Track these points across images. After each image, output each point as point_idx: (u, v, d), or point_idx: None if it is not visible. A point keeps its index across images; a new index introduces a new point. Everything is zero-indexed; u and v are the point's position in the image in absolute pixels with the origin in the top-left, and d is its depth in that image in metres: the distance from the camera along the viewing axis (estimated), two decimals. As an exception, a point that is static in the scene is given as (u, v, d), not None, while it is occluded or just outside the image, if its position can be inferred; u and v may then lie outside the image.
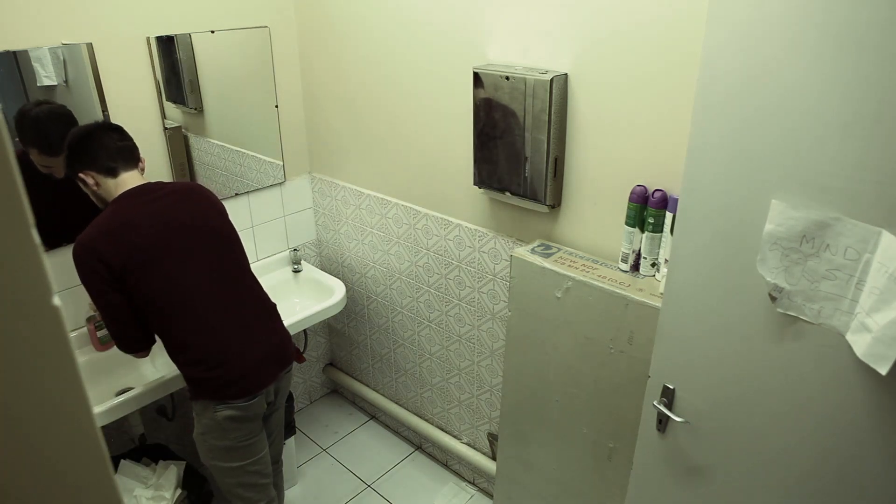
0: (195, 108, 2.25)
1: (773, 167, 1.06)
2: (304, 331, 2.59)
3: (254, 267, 2.54)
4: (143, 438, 2.21)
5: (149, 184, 1.74)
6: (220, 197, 2.35)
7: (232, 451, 1.79)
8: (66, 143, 1.69)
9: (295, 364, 2.83)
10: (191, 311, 1.70)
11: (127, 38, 1.98)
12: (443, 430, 2.62)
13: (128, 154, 1.73)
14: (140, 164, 1.76)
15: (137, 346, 1.75)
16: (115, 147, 1.70)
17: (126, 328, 1.70)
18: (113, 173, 1.70)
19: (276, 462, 2.11)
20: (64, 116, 1.89)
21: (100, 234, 1.62)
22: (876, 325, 0.97)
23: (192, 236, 1.73)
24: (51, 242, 1.96)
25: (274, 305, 1.92)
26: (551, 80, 1.64)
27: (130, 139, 1.75)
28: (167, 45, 2.09)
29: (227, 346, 1.73)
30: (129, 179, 1.71)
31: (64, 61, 1.86)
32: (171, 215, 1.71)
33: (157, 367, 2.11)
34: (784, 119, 1.03)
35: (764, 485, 1.26)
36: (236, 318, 1.77)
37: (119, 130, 1.74)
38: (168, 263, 1.67)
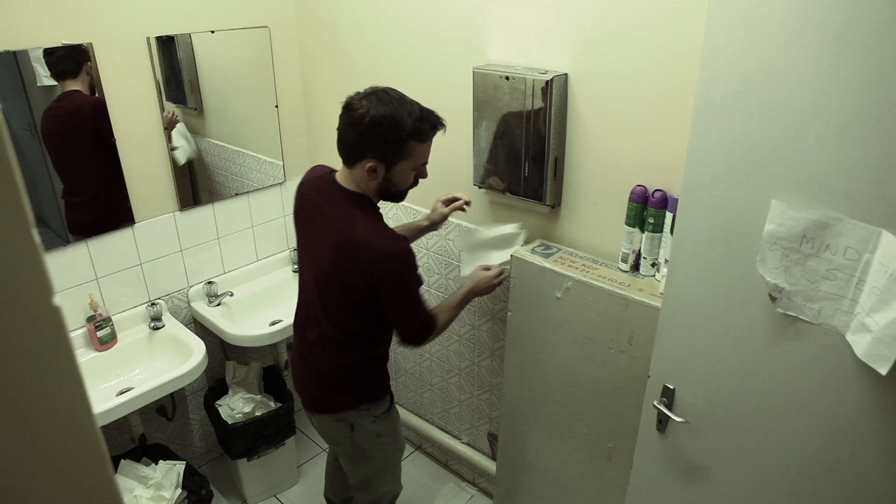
0: (195, 108, 2.25)
1: (773, 167, 1.06)
2: (304, 331, 2.58)
3: (254, 266, 2.54)
4: (143, 438, 2.21)
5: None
6: (219, 197, 2.37)
7: (401, 445, 1.88)
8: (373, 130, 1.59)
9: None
10: None
11: (127, 38, 1.98)
12: (443, 430, 2.61)
13: None
14: None
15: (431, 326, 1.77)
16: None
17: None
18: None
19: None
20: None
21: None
22: (876, 325, 0.97)
23: None
24: (98, 228, 2.05)
25: None
26: (551, 79, 1.64)
27: None
28: (167, 45, 2.09)
29: None
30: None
31: (64, 61, 1.86)
32: None
33: (157, 367, 2.11)
34: (784, 119, 1.03)
35: (763, 485, 1.26)
36: None
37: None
38: None
